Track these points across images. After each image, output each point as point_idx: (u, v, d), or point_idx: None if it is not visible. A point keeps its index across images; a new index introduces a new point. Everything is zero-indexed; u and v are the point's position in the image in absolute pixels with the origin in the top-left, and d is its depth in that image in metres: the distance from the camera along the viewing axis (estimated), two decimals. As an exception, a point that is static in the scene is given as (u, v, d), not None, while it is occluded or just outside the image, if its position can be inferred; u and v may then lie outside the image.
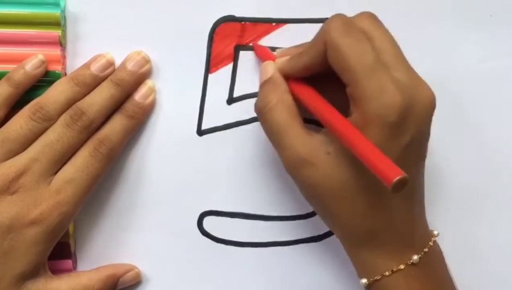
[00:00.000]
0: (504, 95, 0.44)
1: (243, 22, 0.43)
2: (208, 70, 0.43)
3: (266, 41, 0.43)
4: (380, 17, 0.41)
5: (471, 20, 0.43)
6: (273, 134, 0.39)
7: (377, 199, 0.37)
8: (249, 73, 0.43)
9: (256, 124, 0.44)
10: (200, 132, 0.44)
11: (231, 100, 0.44)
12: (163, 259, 0.45)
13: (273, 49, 0.43)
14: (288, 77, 0.40)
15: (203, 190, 0.44)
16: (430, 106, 0.37)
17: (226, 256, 0.45)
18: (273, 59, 0.41)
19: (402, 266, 0.38)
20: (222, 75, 0.43)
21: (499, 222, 0.46)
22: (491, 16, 0.43)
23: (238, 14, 0.43)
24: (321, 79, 0.38)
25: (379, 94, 0.35)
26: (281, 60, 0.40)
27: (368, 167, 0.33)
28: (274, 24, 0.43)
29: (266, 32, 0.43)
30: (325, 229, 0.45)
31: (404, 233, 0.38)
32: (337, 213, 0.38)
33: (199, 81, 0.43)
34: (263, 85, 0.40)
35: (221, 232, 0.45)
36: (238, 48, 0.43)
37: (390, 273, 0.38)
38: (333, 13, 0.42)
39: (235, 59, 0.43)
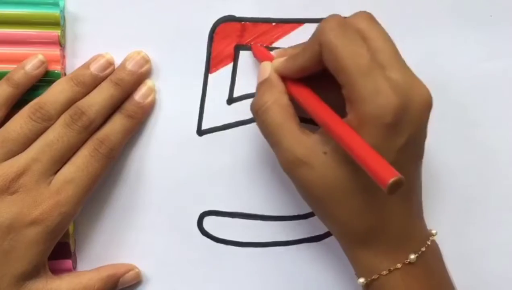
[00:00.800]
0: (504, 95, 0.43)
1: (243, 22, 0.43)
2: (208, 70, 0.43)
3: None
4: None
5: (471, 20, 0.43)
6: (269, 135, 0.39)
7: (374, 198, 0.37)
8: (249, 73, 0.43)
9: (256, 124, 0.44)
10: (200, 132, 0.44)
11: (231, 100, 0.44)
12: (163, 259, 0.45)
13: (271, 49, 0.43)
14: (285, 78, 0.40)
15: (203, 190, 0.44)
16: (426, 106, 0.37)
17: (226, 256, 0.45)
18: (271, 59, 0.41)
19: (399, 265, 0.38)
20: (222, 75, 0.43)
21: (497, 222, 0.46)
22: (491, 16, 0.43)
23: (238, 14, 0.43)
24: (318, 79, 0.38)
25: (374, 96, 0.35)
26: (279, 61, 0.40)
27: (364, 169, 0.33)
28: (274, 24, 0.43)
29: (266, 32, 0.43)
30: (325, 229, 0.45)
31: (401, 233, 0.38)
32: (334, 213, 0.38)
33: (199, 81, 0.43)
34: (259, 85, 0.40)
35: (221, 232, 0.45)
36: (238, 48, 0.43)
37: (388, 272, 0.38)
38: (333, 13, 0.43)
39: (235, 59, 0.43)
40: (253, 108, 0.40)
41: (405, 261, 0.38)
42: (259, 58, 0.42)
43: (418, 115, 0.36)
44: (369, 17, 0.37)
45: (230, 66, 0.43)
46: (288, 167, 0.38)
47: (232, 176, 0.44)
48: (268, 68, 0.40)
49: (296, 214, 0.45)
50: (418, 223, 0.39)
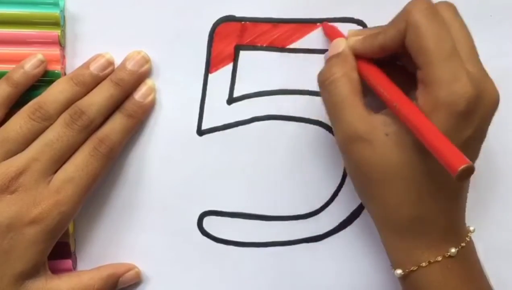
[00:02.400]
0: (504, 95, 0.43)
1: (243, 22, 0.43)
2: (208, 70, 0.43)
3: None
4: (380, 18, 0.41)
5: (471, 20, 0.43)
6: (332, 106, 0.38)
7: (429, 187, 0.37)
8: (249, 73, 0.43)
9: (256, 124, 0.44)
10: (200, 132, 0.44)
11: (231, 100, 0.44)
12: (163, 259, 0.45)
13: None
14: (357, 58, 0.39)
15: (203, 190, 0.44)
16: (495, 104, 0.37)
17: (226, 256, 0.45)
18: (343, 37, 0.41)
19: (439, 258, 0.38)
20: (222, 75, 0.43)
21: (500, 222, 0.46)
22: (491, 16, 0.43)
23: (238, 14, 0.43)
24: (385, 67, 0.39)
25: (451, 81, 0.35)
26: (355, 39, 0.40)
27: (433, 153, 0.33)
28: (274, 24, 0.43)
29: (266, 32, 0.43)
30: (325, 229, 0.45)
31: (447, 226, 0.38)
32: (384, 197, 0.38)
33: (199, 81, 0.43)
34: (330, 58, 0.40)
35: (221, 232, 0.45)
36: (238, 48, 0.43)
37: (427, 264, 0.38)
38: (333, 13, 0.43)
39: (235, 59, 0.43)
40: (320, 77, 0.39)
41: (446, 254, 0.38)
42: (331, 36, 0.42)
43: (487, 111, 0.36)
44: (453, 8, 0.38)
45: (230, 66, 0.43)
46: (346, 141, 0.38)
47: (232, 176, 0.44)
48: (342, 43, 0.40)
49: (296, 214, 0.45)
50: (462, 218, 0.39)
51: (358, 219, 0.45)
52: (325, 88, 0.39)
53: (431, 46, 0.35)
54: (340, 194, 0.45)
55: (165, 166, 0.44)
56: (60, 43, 0.41)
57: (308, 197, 0.45)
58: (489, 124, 0.37)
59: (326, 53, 0.41)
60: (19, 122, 0.39)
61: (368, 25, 0.43)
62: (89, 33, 0.42)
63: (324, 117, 0.44)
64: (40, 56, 0.41)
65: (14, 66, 0.41)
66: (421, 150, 0.35)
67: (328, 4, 0.43)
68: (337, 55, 0.39)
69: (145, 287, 0.45)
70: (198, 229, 0.45)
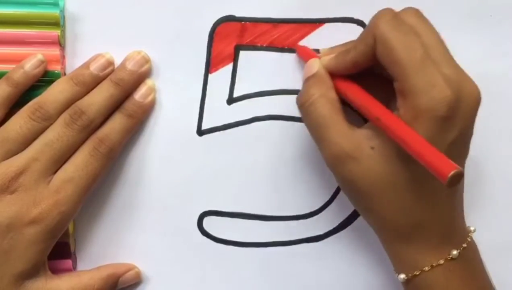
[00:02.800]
0: (504, 95, 0.43)
1: (243, 22, 0.43)
2: (208, 70, 0.43)
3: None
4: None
5: (471, 20, 0.43)
6: (315, 128, 0.39)
7: (420, 194, 0.37)
8: (249, 73, 0.43)
9: (256, 124, 0.44)
10: (200, 132, 0.44)
11: (231, 100, 0.44)
12: (163, 259, 0.45)
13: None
14: (333, 75, 0.40)
15: (203, 190, 0.44)
16: (477, 101, 0.37)
17: (226, 256, 0.45)
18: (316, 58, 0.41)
19: (441, 261, 0.38)
20: (222, 75, 0.43)
21: (501, 222, 0.46)
22: (491, 16, 0.43)
23: (238, 14, 0.43)
24: (362, 79, 0.39)
25: (429, 88, 0.35)
26: (327, 58, 0.40)
27: (421, 162, 0.33)
28: (274, 24, 0.43)
29: (266, 32, 0.43)
30: (325, 229, 0.45)
31: (445, 228, 0.38)
32: (379, 208, 0.38)
33: (199, 81, 0.43)
34: (307, 80, 0.40)
35: (221, 232, 0.45)
36: (238, 48, 0.43)
37: (430, 268, 0.38)
38: (333, 13, 0.43)
39: (235, 59, 0.43)
40: (298, 101, 0.40)
41: (448, 257, 0.38)
42: (304, 57, 0.42)
43: (469, 110, 0.36)
44: (418, 13, 0.38)
45: (230, 66, 0.43)
46: (334, 161, 0.38)
47: (232, 176, 0.44)
48: (316, 64, 0.40)
49: (296, 214, 0.45)
50: (460, 219, 0.39)
51: (358, 219, 0.45)
52: (305, 110, 0.39)
53: (402, 57, 0.35)
54: (340, 194, 0.45)
55: (165, 166, 0.44)
56: (60, 43, 0.41)
57: (308, 197, 0.45)
58: (474, 121, 0.37)
59: (303, 75, 0.41)
60: (19, 122, 0.39)
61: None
62: (89, 33, 0.42)
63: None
64: (40, 56, 0.41)
65: (14, 66, 0.40)
66: (407, 159, 0.35)
67: (328, 4, 0.43)
68: (313, 76, 0.40)
69: (145, 287, 0.45)
70: (198, 229, 0.45)
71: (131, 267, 0.44)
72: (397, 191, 0.37)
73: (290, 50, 0.43)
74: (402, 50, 0.35)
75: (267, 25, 0.43)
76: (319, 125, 0.38)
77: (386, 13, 0.37)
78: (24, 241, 0.38)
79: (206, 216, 0.45)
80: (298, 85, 0.43)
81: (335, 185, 0.45)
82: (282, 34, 0.43)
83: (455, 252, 0.38)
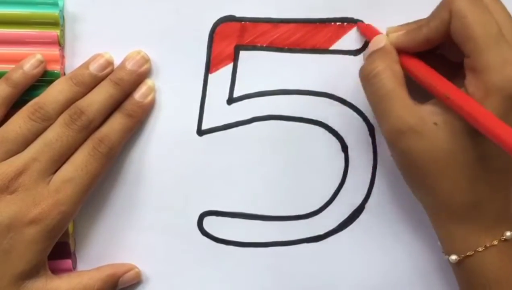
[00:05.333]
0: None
1: (243, 22, 0.43)
2: (208, 70, 0.43)
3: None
4: (380, 18, 0.41)
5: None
6: (378, 100, 0.38)
7: (481, 172, 0.37)
8: (249, 73, 0.43)
9: (256, 124, 0.44)
10: (200, 132, 0.44)
11: (231, 100, 0.44)
12: (163, 259, 0.45)
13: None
14: (399, 53, 0.39)
15: (203, 190, 0.44)
16: None
17: (226, 256, 0.45)
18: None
19: (495, 242, 0.38)
20: (222, 75, 0.43)
21: None
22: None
23: (238, 14, 0.43)
24: (425, 59, 0.39)
25: (502, 66, 0.35)
26: (396, 35, 0.39)
27: (491, 138, 0.33)
28: (274, 24, 0.43)
29: (266, 32, 0.43)
30: (325, 229, 0.45)
31: (500, 209, 0.38)
32: (437, 186, 0.38)
33: (199, 81, 0.43)
34: (372, 53, 0.39)
35: (221, 232, 0.45)
36: (238, 48, 0.43)
37: (483, 249, 0.38)
38: (333, 14, 0.43)
39: (235, 59, 0.43)
40: (361, 72, 0.39)
41: (501, 238, 0.38)
42: (368, 34, 0.42)
43: None
44: None
45: (230, 66, 0.43)
46: (395, 134, 0.37)
47: (232, 176, 0.44)
48: (383, 39, 0.40)
49: (296, 214, 0.45)
50: None
51: (358, 219, 0.45)
52: (368, 81, 0.39)
53: (478, 33, 0.35)
54: (340, 194, 0.45)
55: (165, 166, 0.44)
56: (59, 43, 0.41)
57: (308, 197, 0.45)
58: None
59: (366, 50, 0.41)
60: (19, 122, 0.39)
61: (368, 25, 0.43)
62: (89, 33, 0.42)
63: (323, 117, 0.44)
64: (39, 56, 0.40)
65: (13, 66, 0.40)
66: (471, 136, 0.36)
67: (328, 4, 0.43)
68: (379, 50, 0.39)
69: (145, 287, 0.45)
70: (198, 229, 0.45)
71: (131, 267, 0.44)
72: (458, 168, 0.37)
73: (290, 50, 0.43)
74: (478, 25, 0.35)
75: (267, 25, 0.43)
76: (382, 97, 0.38)
77: None
78: (24, 241, 0.38)
79: (206, 216, 0.45)
80: (298, 85, 0.44)
81: (335, 185, 0.45)
82: (282, 34, 0.43)
83: (508, 233, 0.38)
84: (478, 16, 0.36)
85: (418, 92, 0.38)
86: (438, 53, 0.40)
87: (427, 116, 0.37)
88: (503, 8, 0.37)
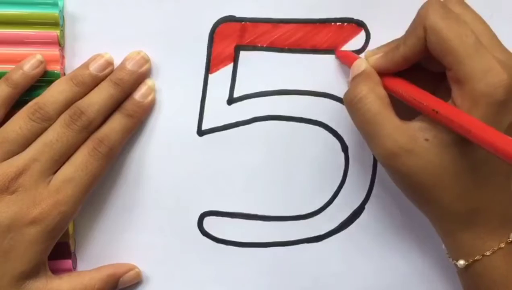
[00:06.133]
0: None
1: (243, 22, 0.43)
2: (208, 70, 0.43)
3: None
4: (380, 18, 0.41)
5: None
6: (365, 124, 0.38)
7: (478, 179, 0.37)
8: (249, 73, 0.43)
9: (256, 124, 0.44)
10: (200, 132, 0.44)
11: (231, 100, 0.44)
12: (163, 259, 0.45)
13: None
14: (380, 74, 0.39)
15: (203, 190, 0.44)
16: None
17: (226, 256, 0.45)
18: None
19: (502, 245, 0.38)
20: (222, 75, 0.43)
21: None
22: (491, 16, 0.43)
23: (238, 14, 0.43)
24: (406, 76, 0.39)
25: (485, 73, 0.35)
26: (374, 58, 0.40)
27: (485, 147, 0.34)
28: (274, 24, 0.43)
29: (266, 32, 0.43)
30: (325, 229, 0.45)
31: (503, 212, 0.38)
32: (437, 199, 0.38)
33: (199, 81, 0.43)
34: (354, 78, 0.40)
35: (221, 232, 0.45)
36: (238, 48, 0.43)
37: (491, 252, 0.38)
38: (333, 14, 0.43)
39: (235, 60, 0.43)
40: (346, 98, 0.39)
41: (508, 240, 0.38)
42: (347, 61, 0.42)
43: None
44: (463, 1, 0.38)
45: (230, 66, 0.43)
46: (388, 157, 0.37)
47: (232, 176, 0.44)
48: (363, 63, 0.40)
49: (296, 214, 0.45)
50: None
51: (358, 219, 0.45)
52: (353, 106, 0.39)
53: (455, 45, 0.35)
54: (340, 194, 0.45)
55: (165, 166, 0.44)
56: (59, 43, 0.41)
57: (308, 197, 0.45)
58: None
59: (349, 76, 0.41)
60: (19, 122, 0.39)
61: (368, 26, 0.43)
62: (89, 33, 0.42)
63: (323, 117, 0.44)
64: (39, 57, 0.40)
65: (13, 66, 0.40)
66: (463, 147, 0.36)
67: (328, 4, 0.43)
68: (360, 74, 0.39)
69: (145, 287, 0.45)
70: (198, 229, 0.45)
71: (131, 267, 0.44)
72: (455, 179, 0.37)
73: (290, 50, 0.43)
74: (454, 38, 0.35)
75: (267, 25, 0.43)
76: (369, 121, 0.38)
77: (434, 3, 0.37)
78: (24, 241, 0.38)
79: (206, 216, 0.45)
80: (298, 85, 0.44)
81: (335, 185, 0.45)
82: (282, 34, 0.43)
83: None
84: (453, 28, 0.36)
85: (403, 110, 0.38)
86: (418, 66, 0.40)
87: (417, 133, 0.37)
88: (476, 15, 0.37)
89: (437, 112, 0.36)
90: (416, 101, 0.37)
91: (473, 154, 0.36)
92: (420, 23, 0.37)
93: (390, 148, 0.37)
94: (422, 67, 0.40)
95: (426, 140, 0.37)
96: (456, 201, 0.37)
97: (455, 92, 0.36)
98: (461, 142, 0.36)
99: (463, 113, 0.35)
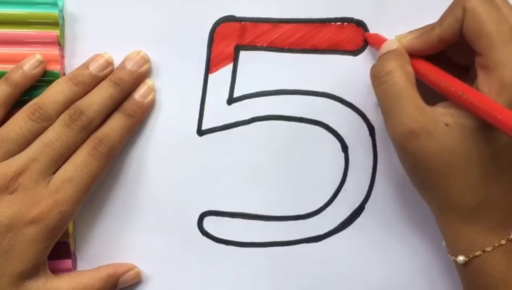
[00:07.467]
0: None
1: (243, 22, 0.43)
2: (208, 70, 0.43)
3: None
4: (380, 18, 0.41)
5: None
6: (388, 98, 0.38)
7: (493, 170, 0.37)
8: (249, 73, 0.43)
9: (256, 124, 0.44)
10: (200, 132, 0.44)
11: (231, 100, 0.44)
12: (163, 259, 0.45)
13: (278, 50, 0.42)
14: (410, 57, 0.39)
15: (203, 190, 0.44)
16: None
17: (226, 256, 0.45)
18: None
19: (503, 241, 0.38)
20: (222, 75, 0.43)
21: None
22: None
23: (238, 14, 0.43)
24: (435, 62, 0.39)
25: None
26: (408, 38, 0.39)
27: (509, 133, 0.34)
28: (274, 24, 0.43)
29: (266, 32, 0.43)
30: (325, 229, 0.45)
31: (508, 208, 0.38)
32: (447, 187, 0.38)
33: (199, 81, 0.43)
34: (385, 54, 0.39)
35: (221, 232, 0.45)
36: (238, 48, 0.43)
37: (492, 248, 0.38)
38: (333, 14, 0.43)
39: (235, 59, 0.43)
40: (373, 71, 0.39)
41: (509, 237, 0.38)
42: (377, 42, 0.41)
43: None
44: None
45: (230, 66, 0.43)
46: (404, 135, 0.37)
47: (232, 176, 0.44)
48: (395, 42, 0.40)
49: (296, 214, 0.45)
50: None
51: (358, 219, 0.45)
52: (379, 80, 0.38)
53: (492, 30, 0.36)
54: (340, 194, 0.45)
55: (165, 166, 0.44)
56: (59, 43, 0.41)
57: (308, 197, 0.45)
58: None
59: (380, 51, 0.41)
60: (19, 122, 0.39)
61: (368, 26, 0.43)
62: (88, 33, 0.42)
63: (323, 117, 0.44)
64: (39, 57, 0.41)
65: (13, 66, 0.41)
66: (483, 135, 0.36)
67: (328, 4, 0.43)
68: (392, 51, 0.39)
69: (145, 287, 0.45)
70: (198, 229, 0.45)
71: (131, 267, 0.44)
72: (471, 167, 0.37)
73: (290, 50, 0.43)
74: (492, 23, 0.36)
75: (267, 25, 0.43)
76: (392, 96, 0.38)
77: None
78: (24, 241, 0.39)
79: (206, 216, 0.45)
80: (298, 85, 0.44)
81: (335, 185, 0.45)
82: (282, 34, 0.43)
83: None
84: (491, 13, 0.36)
85: (427, 97, 0.38)
86: (444, 56, 0.40)
87: (438, 117, 0.37)
88: (508, 5, 0.37)
89: (464, 96, 0.36)
90: (443, 83, 0.37)
91: (493, 145, 0.36)
92: (459, 4, 0.37)
93: (410, 127, 0.37)
94: (446, 60, 0.39)
95: (446, 124, 0.37)
96: (467, 191, 0.37)
97: (482, 79, 0.36)
98: (482, 130, 0.36)
99: (489, 99, 0.35)
